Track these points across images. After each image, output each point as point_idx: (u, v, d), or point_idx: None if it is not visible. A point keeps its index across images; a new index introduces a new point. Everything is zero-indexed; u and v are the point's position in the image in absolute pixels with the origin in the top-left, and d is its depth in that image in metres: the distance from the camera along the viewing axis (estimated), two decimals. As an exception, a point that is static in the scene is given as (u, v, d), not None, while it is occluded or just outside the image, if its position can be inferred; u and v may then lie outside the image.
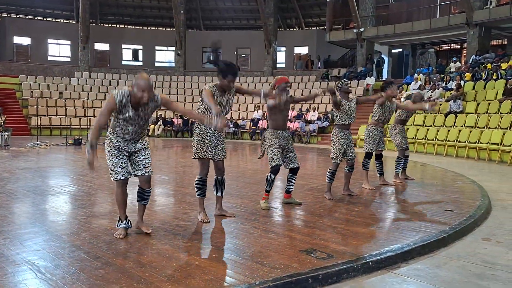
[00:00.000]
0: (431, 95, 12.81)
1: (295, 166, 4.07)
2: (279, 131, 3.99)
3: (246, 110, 17.56)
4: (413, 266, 2.71)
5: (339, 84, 4.67)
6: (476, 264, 2.76)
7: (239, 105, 18.07)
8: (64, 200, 4.33)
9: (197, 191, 3.51)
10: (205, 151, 3.41)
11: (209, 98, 3.19)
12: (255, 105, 17.32)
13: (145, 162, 3.02)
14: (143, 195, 3.09)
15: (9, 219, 3.43)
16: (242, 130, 16.45)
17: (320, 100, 16.90)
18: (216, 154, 3.46)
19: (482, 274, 2.59)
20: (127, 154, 3.00)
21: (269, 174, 3.95)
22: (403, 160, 5.85)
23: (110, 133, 2.98)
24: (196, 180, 3.50)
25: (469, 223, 3.57)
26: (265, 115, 16.34)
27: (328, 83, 17.81)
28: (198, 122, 3.46)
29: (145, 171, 3.01)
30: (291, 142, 4.12)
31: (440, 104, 11.82)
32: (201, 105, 3.43)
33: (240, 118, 16.98)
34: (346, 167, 4.74)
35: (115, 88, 3.03)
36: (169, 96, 18.78)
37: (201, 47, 22.69)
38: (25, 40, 20.85)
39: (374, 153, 5.41)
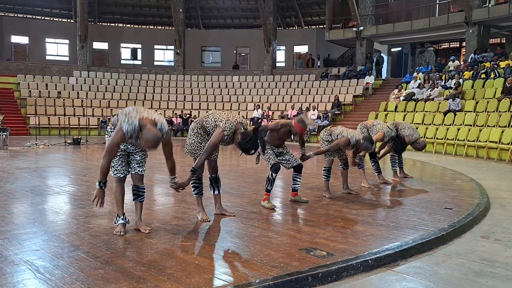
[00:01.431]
0: (430, 93, 12.82)
1: (296, 164, 4.08)
2: (273, 147, 4.05)
3: (246, 110, 17.54)
4: (412, 264, 2.71)
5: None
6: (475, 261, 2.77)
7: (239, 104, 18.06)
8: (63, 200, 4.33)
9: (194, 190, 3.51)
10: (200, 152, 3.40)
11: (214, 140, 3.22)
12: (254, 105, 17.31)
13: (141, 160, 3.08)
14: (138, 191, 3.11)
15: (7, 219, 3.42)
16: (241, 129, 16.42)
17: (320, 99, 16.92)
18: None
19: (480, 271, 2.60)
20: (127, 153, 3.06)
21: (270, 173, 3.96)
22: (397, 157, 5.85)
23: (112, 131, 3.01)
24: (192, 180, 3.50)
25: (468, 221, 3.58)
26: (265, 114, 16.34)
27: (326, 84, 17.80)
28: (196, 123, 3.47)
29: (138, 170, 3.07)
30: (285, 147, 4.16)
31: (440, 102, 11.81)
32: (207, 125, 3.35)
33: (240, 117, 16.95)
34: (340, 164, 4.75)
35: (126, 121, 2.95)
36: (168, 96, 18.81)
37: (201, 46, 22.67)
38: (23, 39, 20.80)
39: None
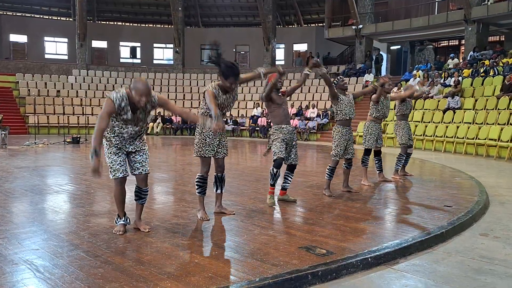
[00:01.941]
0: (429, 91, 12.82)
1: (293, 163, 4.08)
2: (282, 126, 4.00)
3: (245, 108, 17.53)
4: (412, 262, 2.72)
5: (335, 81, 4.68)
6: (474, 259, 2.78)
7: (238, 102, 18.04)
8: (63, 199, 4.32)
9: (197, 189, 3.50)
10: (206, 149, 3.40)
11: (211, 99, 3.18)
12: (254, 102, 17.30)
13: (143, 161, 3.03)
14: (141, 194, 3.10)
15: (7, 219, 3.42)
16: (241, 127, 16.44)
17: (320, 97, 16.91)
18: (217, 152, 3.47)
19: (480, 269, 2.60)
20: (125, 152, 3.01)
21: (271, 168, 3.96)
22: (404, 158, 5.85)
23: (108, 133, 2.97)
24: (197, 178, 3.50)
25: (467, 218, 3.59)
26: (264, 112, 16.32)
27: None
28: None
29: (142, 170, 3.03)
30: (295, 137, 4.13)
31: (439, 100, 11.83)
32: (204, 105, 3.39)
33: (239, 115, 16.96)
34: (344, 163, 4.76)
35: (113, 90, 3.03)
36: (168, 94, 18.77)
37: (200, 44, 22.61)
38: (22, 38, 20.73)
39: (373, 149, 5.42)
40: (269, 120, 15.27)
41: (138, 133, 3.00)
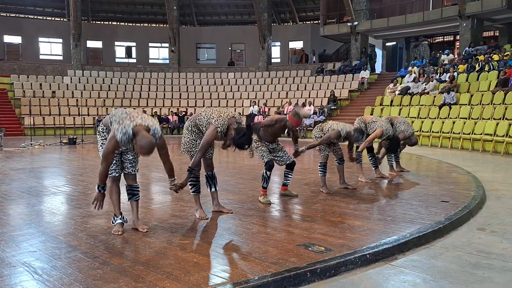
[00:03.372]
0: (425, 87, 12.87)
1: (288, 163, 4.09)
2: (267, 143, 4.06)
3: (242, 106, 17.51)
4: (410, 258, 2.73)
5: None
6: (472, 253, 2.79)
7: (235, 100, 18.02)
8: (60, 200, 4.30)
9: (191, 188, 3.50)
10: (196, 149, 3.40)
11: (208, 138, 3.22)
12: (250, 101, 17.28)
13: (133, 160, 3.07)
14: (133, 191, 3.11)
15: (4, 221, 3.40)
16: (238, 126, 16.40)
17: (316, 95, 16.92)
18: (207, 151, 3.46)
19: (477, 263, 2.62)
20: (119, 152, 3.04)
21: (264, 171, 3.98)
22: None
23: (103, 131, 2.99)
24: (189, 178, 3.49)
25: (464, 213, 3.61)
26: (261, 110, 16.32)
27: (322, 80, 17.80)
28: (190, 121, 3.47)
29: (131, 170, 3.07)
30: (279, 143, 4.16)
31: (435, 96, 11.87)
32: (200, 123, 3.36)
33: (236, 113, 16.91)
34: (335, 160, 4.77)
35: (119, 130, 2.93)
36: (164, 94, 18.71)
37: (195, 43, 22.54)
38: (16, 39, 20.57)
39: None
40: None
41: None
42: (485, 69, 12.12)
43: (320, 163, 4.63)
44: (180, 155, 9.23)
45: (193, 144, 3.42)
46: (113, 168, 2.99)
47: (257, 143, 4.02)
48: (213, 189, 3.62)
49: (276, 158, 4.08)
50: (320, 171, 4.62)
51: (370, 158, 5.58)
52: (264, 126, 3.97)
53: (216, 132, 3.24)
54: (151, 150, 2.71)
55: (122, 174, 3.10)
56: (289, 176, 4.20)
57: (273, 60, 21.08)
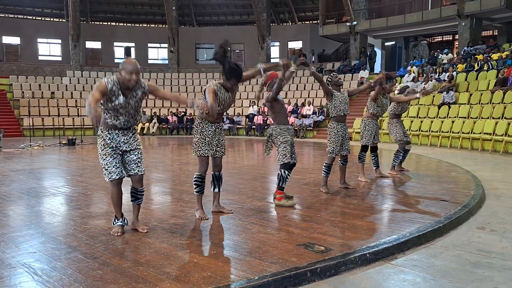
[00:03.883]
0: (424, 87, 12.88)
1: (295, 162, 4.07)
2: (288, 127, 3.98)
3: (241, 106, 17.51)
4: (410, 257, 2.73)
5: (329, 78, 4.70)
6: (471, 252, 2.80)
7: (234, 101, 18.00)
8: (59, 201, 4.30)
9: (195, 188, 3.50)
10: (206, 148, 3.41)
11: (211, 95, 3.22)
12: (250, 101, 17.28)
13: (138, 161, 3.01)
14: (137, 195, 3.09)
15: (3, 222, 3.40)
16: (237, 126, 16.43)
17: (315, 94, 16.92)
18: (216, 151, 3.48)
19: (477, 262, 2.63)
20: (120, 153, 2.97)
21: (282, 171, 3.85)
22: (402, 154, 5.87)
23: (102, 131, 2.95)
24: (195, 177, 3.49)
25: (464, 212, 3.61)
26: (260, 110, 16.31)
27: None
28: (199, 119, 3.48)
29: (138, 170, 3.00)
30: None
31: (434, 95, 11.90)
32: (203, 100, 3.38)
33: (236, 114, 16.94)
34: (340, 160, 4.77)
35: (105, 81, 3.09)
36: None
37: (194, 44, 22.54)
38: (15, 40, 20.55)
39: (369, 146, 5.44)
40: (266, 119, 15.29)
41: (131, 122, 2.98)
42: (484, 68, 12.14)
43: (325, 163, 4.62)
44: (181, 155, 9.26)
45: (202, 143, 3.45)
46: (113, 170, 2.91)
47: (284, 138, 3.84)
48: (216, 190, 3.62)
49: (291, 156, 4.01)
50: (324, 171, 4.60)
51: (373, 158, 5.60)
52: (271, 104, 3.94)
53: (211, 88, 3.29)
54: (137, 67, 2.84)
55: (130, 177, 3.03)
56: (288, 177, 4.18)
57: (272, 60, 21.08)
